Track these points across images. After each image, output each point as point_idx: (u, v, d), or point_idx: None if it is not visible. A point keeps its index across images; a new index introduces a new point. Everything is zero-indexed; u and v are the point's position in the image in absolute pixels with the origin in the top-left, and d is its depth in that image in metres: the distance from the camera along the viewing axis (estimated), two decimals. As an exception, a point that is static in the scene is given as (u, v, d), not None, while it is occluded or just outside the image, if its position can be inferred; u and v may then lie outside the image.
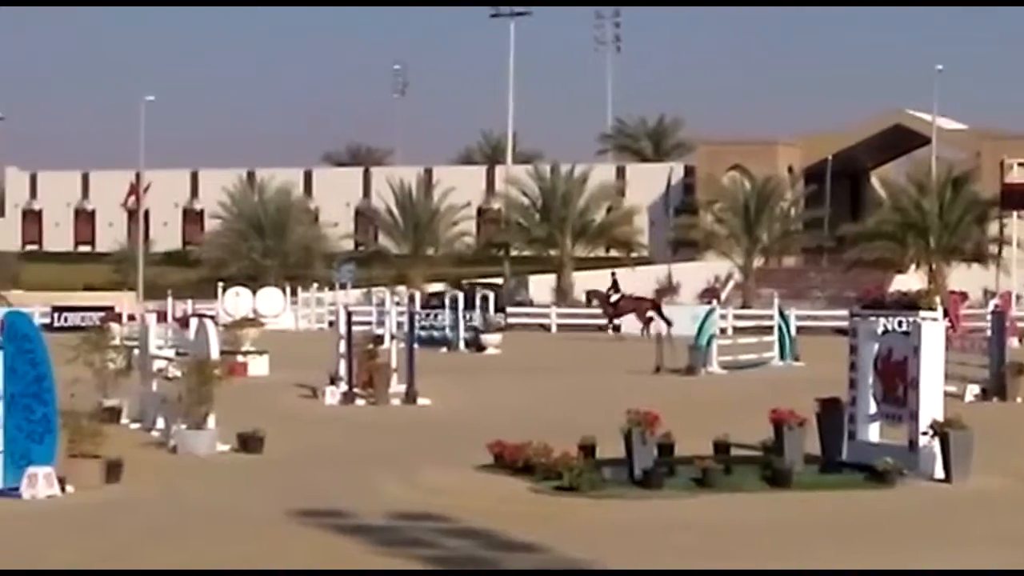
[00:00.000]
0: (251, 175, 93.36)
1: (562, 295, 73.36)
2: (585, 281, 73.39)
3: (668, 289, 73.24)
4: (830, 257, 79.81)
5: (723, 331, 44.62)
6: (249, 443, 20.81)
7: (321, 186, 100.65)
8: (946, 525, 15.60)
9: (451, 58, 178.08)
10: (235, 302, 58.90)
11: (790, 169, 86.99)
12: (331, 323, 47.17)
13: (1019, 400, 29.16)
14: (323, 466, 19.73)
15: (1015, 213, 68.39)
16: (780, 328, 40.62)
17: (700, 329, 37.74)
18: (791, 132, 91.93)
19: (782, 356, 39.98)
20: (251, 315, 47.78)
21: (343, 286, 65.26)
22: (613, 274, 59.41)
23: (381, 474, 18.53)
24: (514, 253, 79.49)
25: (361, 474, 18.68)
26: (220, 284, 62.58)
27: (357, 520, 15.41)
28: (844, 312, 43.23)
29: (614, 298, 56.31)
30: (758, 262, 75.83)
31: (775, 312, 41.21)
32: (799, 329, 44.29)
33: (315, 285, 68.46)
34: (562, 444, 18.24)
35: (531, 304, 70.79)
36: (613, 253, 79.02)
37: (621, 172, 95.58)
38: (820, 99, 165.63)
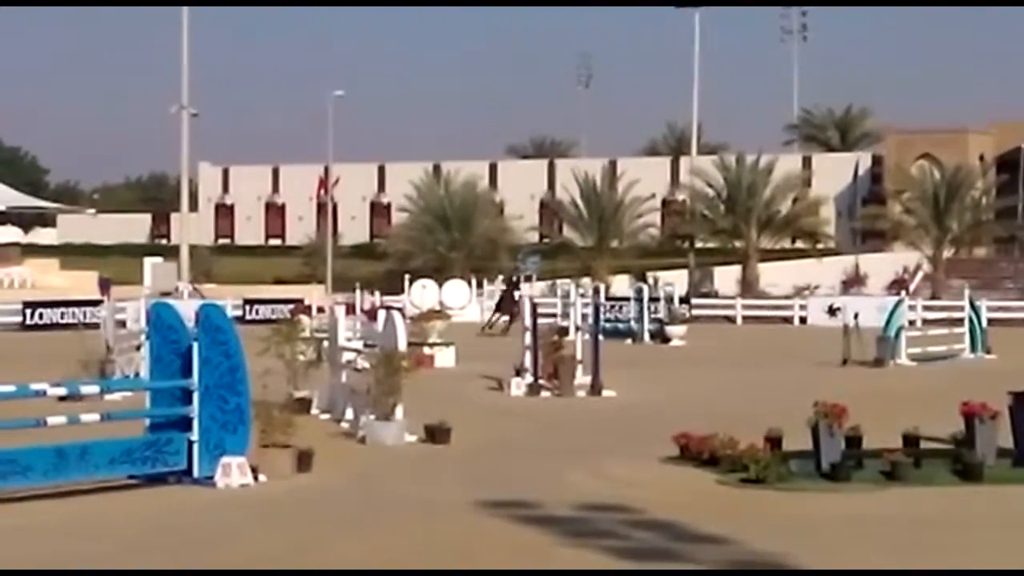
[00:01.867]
0: (437, 168, 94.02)
1: (747, 287, 72.85)
2: (772, 273, 72.89)
3: (856, 280, 72.36)
4: (1023, 247, 78.23)
5: (912, 323, 43.95)
6: (436, 434, 21.02)
7: (506, 178, 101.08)
8: None
9: (636, 49, 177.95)
10: (421, 294, 59.36)
11: (981, 157, 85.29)
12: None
13: None
14: (509, 457, 19.88)
15: None
16: (971, 319, 39.96)
17: (889, 321, 37.31)
18: (982, 120, 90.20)
19: (973, 348, 39.33)
20: (437, 307, 48.18)
21: (528, 278, 65.47)
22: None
23: (567, 465, 18.61)
24: (699, 245, 79.10)
25: (547, 465, 18.77)
26: (407, 276, 63.17)
27: (544, 511, 15.50)
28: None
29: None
30: (948, 252, 74.57)
31: (966, 303, 40.53)
32: (990, 321, 43.53)
33: (500, 277, 68.80)
34: (748, 436, 18.16)
35: (716, 296, 70.46)
36: (799, 244, 78.29)
37: (807, 162, 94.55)
38: (1012, 86, 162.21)
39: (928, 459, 18.42)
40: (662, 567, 12.93)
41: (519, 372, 29.03)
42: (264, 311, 56.68)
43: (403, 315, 25.40)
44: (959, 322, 40.73)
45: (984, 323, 40.80)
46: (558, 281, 66.65)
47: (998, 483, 17.24)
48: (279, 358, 24.47)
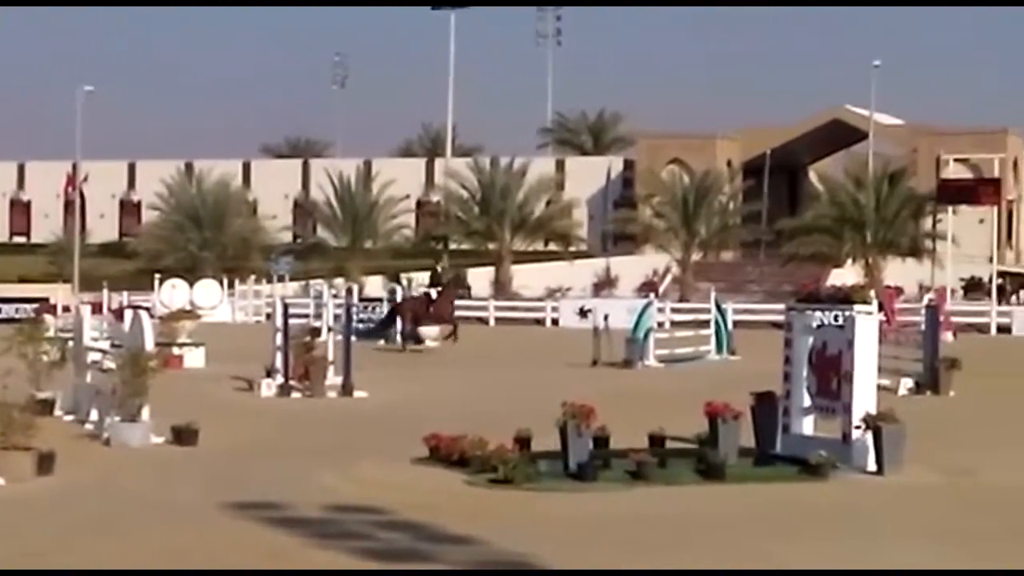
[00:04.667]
0: (189, 166, 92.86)
1: (500, 288, 73.39)
2: (525, 275, 73.48)
3: (607, 282, 73.48)
4: (768, 251, 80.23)
5: (660, 324, 44.73)
6: (183, 435, 20.70)
7: (260, 178, 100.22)
8: (877, 518, 15.70)
9: (392, 49, 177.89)
10: (171, 294, 58.61)
11: (729, 163, 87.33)
12: (268, 315, 47.02)
13: (952, 394, 29.42)
14: (258, 458, 19.66)
15: (950, 208, 68.89)
16: (717, 322, 40.81)
17: (637, 323, 37.89)
18: (730, 127, 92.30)
19: (719, 350, 40.17)
20: (188, 307, 47.56)
21: (281, 278, 65.02)
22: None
23: (316, 466, 18.48)
24: (453, 246, 79.46)
25: (296, 466, 18.62)
26: (157, 276, 62.22)
27: (292, 512, 15.37)
28: (781, 306, 43.24)
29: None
30: (696, 256, 76.12)
31: (712, 306, 41.39)
32: (736, 323, 44.51)
33: (252, 277, 68.23)
34: (498, 437, 18.25)
35: (469, 297, 70.83)
36: (552, 246, 79.12)
37: (561, 165, 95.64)
38: (759, 94, 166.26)
39: (673, 459, 18.73)
40: (410, 568, 12.91)
41: (270, 373, 28.79)
42: (8, 310, 55.38)
43: (151, 315, 25.01)
44: (706, 324, 41.57)
45: (730, 325, 41.73)
46: (311, 281, 66.33)
47: (740, 481, 17.63)
48: (22, 358, 23.87)
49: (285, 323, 28.92)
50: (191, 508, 15.75)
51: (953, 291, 65.17)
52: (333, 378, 28.60)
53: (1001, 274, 69.12)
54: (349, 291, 46.76)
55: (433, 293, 44.05)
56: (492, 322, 63.10)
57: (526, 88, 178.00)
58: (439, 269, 46.15)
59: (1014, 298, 65.63)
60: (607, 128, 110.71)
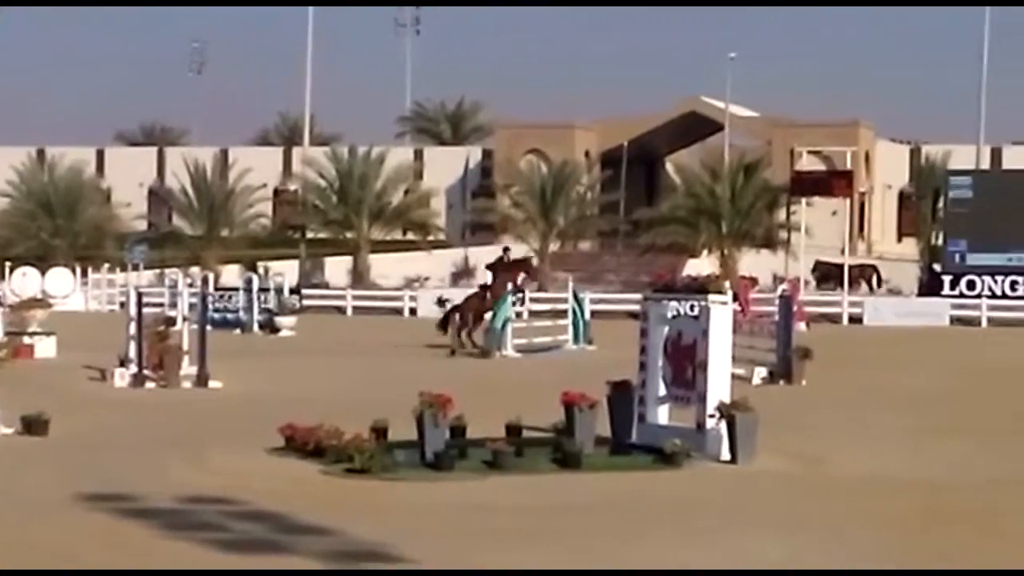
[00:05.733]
0: (41, 153, 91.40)
1: (358, 277, 73.14)
2: (383, 265, 73.27)
3: (465, 272, 73.57)
4: (625, 241, 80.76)
5: (518, 314, 44.82)
6: (33, 426, 20.36)
7: (114, 165, 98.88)
8: (730, 506, 15.87)
9: (249, 37, 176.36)
10: (22, 282, 57.55)
11: (587, 154, 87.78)
12: (122, 304, 46.46)
13: (804, 383, 29.81)
14: (110, 449, 19.39)
15: (804, 200, 69.84)
16: (574, 312, 41.02)
17: (495, 312, 37.94)
18: (589, 117, 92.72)
19: (576, 339, 40.37)
20: (39, 296, 46.78)
21: (135, 267, 64.25)
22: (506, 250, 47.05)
23: (169, 457, 18.27)
24: (310, 235, 79.04)
25: (149, 457, 18.40)
26: (7, 264, 61.15)
27: (145, 504, 15.17)
28: (637, 296, 43.35)
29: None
30: (554, 246, 76.42)
31: (569, 295, 41.57)
32: (593, 313, 44.76)
33: (106, 266, 67.37)
34: (355, 427, 18.17)
35: (327, 286, 70.51)
36: (410, 236, 78.99)
37: (419, 155, 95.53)
38: (618, 85, 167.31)
39: (530, 448, 18.78)
40: (264, 558, 12.79)
41: (123, 363, 28.42)
42: None
43: (1, 303, 24.58)
44: (563, 314, 41.74)
45: (587, 315, 41.96)
46: (166, 270, 65.63)
47: (596, 470, 17.72)
48: None
49: (139, 312, 28.58)
50: (41, 500, 15.48)
51: (807, 282, 66.09)
52: (188, 368, 28.31)
53: (821, 264, 70.37)
54: (205, 280, 46.36)
55: (489, 278, 40.36)
56: (350, 312, 62.86)
57: (385, 77, 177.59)
58: (506, 257, 41.65)
59: (838, 289, 66.46)
60: (466, 117, 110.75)
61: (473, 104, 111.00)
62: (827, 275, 69.14)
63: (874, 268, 71.54)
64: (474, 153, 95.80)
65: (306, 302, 59.84)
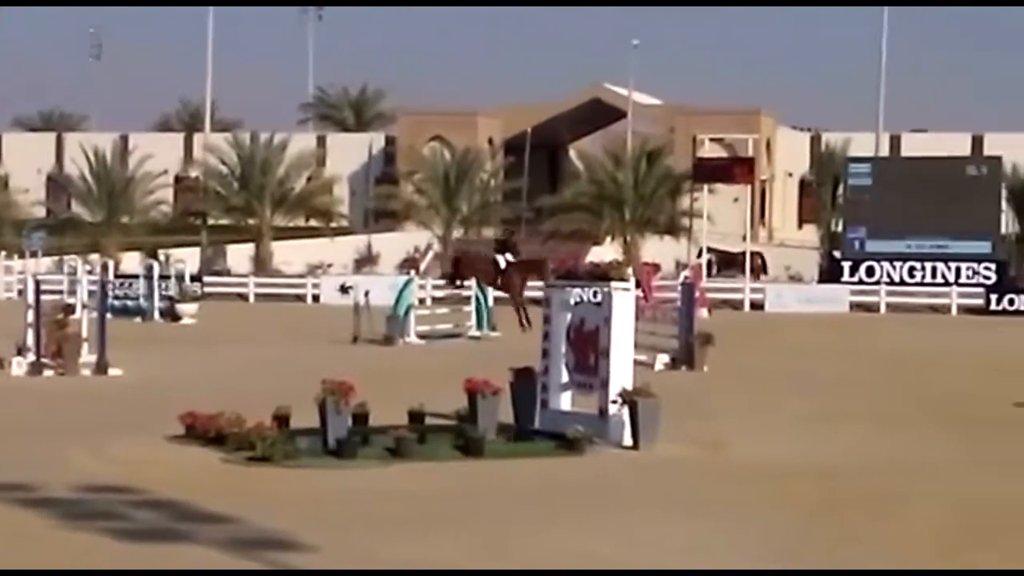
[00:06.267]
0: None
1: (260, 265, 72.73)
2: (285, 252, 72.90)
3: (368, 259, 73.36)
4: (528, 228, 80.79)
5: (421, 301, 44.78)
6: (-71, 415, 20.08)
7: (11, 151, 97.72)
8: (631, 491, 15.93)
9: (149, 22, 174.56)
10: (-82, 270, 56.86)
11: (490, 141, 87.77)
12: (20, 292, 45.90)
13: (706, 369, 30.00)
14: (7, 438, 19.13)
15: (706, 187, 70.20)
16: (478, 299, 41.00)
17: (398, 299, 37.88)
18: (492, 104, 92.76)
19: (479, 326, 40.37)
20: (-64, 283, 46.17)
21: (33, 254, 63.46)
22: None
23: (69, 446, 18.05)
24: (212, 222, 78.47)
25: (48, 446, 18.17)
26: (-97, 252, 60.33)
27: (43, 493, 14.98)
28: (541, 283, 43.33)
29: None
30: (457, 233, 76.34)
31: (473, 282, 41.55)
32: (497, 300, 44.74)
33: (3, 253, 66.56)
34: (256, 414, 18.05)
35: (228, 273, 70.05)
36: (313, 223, 78.64)
37: (322, 141, 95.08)
38: (521, 72, 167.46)
39: (432, 435, 18.76)
40: (164, 547, 12.68)
41: (21, 351, 28.08)
42: None
43: None
44: (467, 301, 41.72)
45: (491, 302, 41.96)
46: (65, 257, 64.88)
47: (498, 457, 17.74)
48: None
49: (37, 300, 28.26)
50: (-64, 490, 15.26)
51: (709, 268, 66.50)
52: (87, 356, 28.02)
53: (710, 250, 70.90)
54: (104, 267, 45.82)
55: (502, 261, 39.29)
56: (252, 299, 62.51)
57: (287, 63, 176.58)
58: (506, 238, 40.12)
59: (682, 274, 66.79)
60: (369, 104, 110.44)
61: (376, 91, 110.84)
62: (712, 262, 69.61)
63: (760, 255, 72.08)
64: (377, 140, 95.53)
65: (207, 289, 59.37)
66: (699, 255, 69.38)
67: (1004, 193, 63.84)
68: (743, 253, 67.34)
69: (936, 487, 16.22)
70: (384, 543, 12.99)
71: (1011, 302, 55.27)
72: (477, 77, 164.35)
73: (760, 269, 70.56)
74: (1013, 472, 17.45)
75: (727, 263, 68.40)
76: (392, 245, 74.96)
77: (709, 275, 64.85)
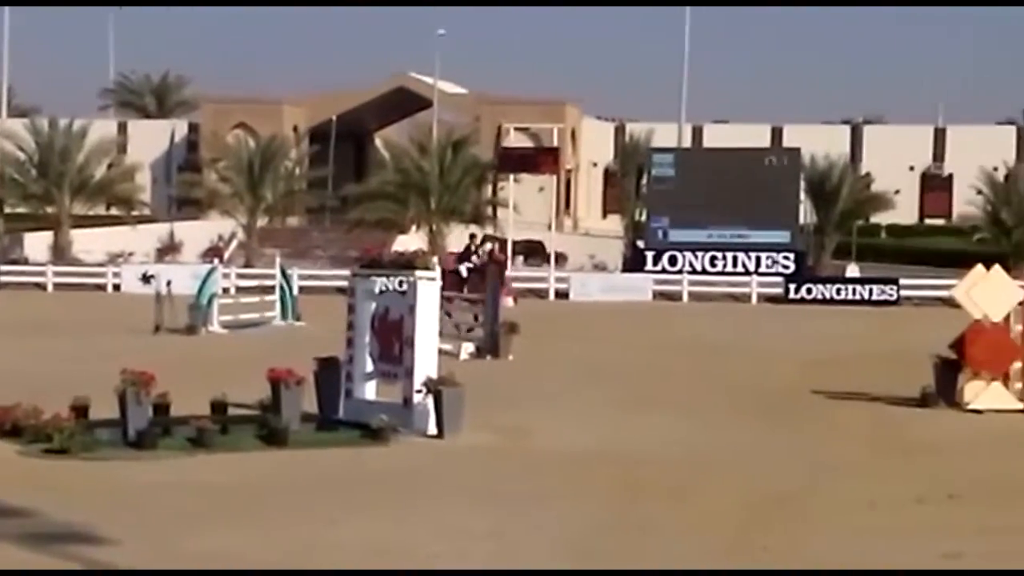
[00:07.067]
0: None
1: (59, 253, 71.33)
2: (85, 240, 71.67)
3: (171, 247, 72.44)
4: (334, 217, 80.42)
5: (225, 290, 44.33)
6: None
7: None
8: (435, 480, 15.96)
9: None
10: None
11: (295, 129, 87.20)
12: None
13: (511, 358, 30.14)
14: None
15: (511, 176, 70.50)
16: (282, 287, 40.70)
17: (201, 288, 37.45)
18: (297, 92, 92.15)
19: (284, 315, 40.07)
20: None
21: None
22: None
23: None
24: (8, 210, 76.75)
25: None
26: None
27: None
28: (346, 272, 43.20)
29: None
30: (262, 221, 75.58)
31: (277, 271, 41.25)
32: (302, 289, 44.53)
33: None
34: (54, 406, 17.75)
35: (26, 262, 68.60)
36: (114, 211, 77.31)
37: (123, 128, 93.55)
38: (327, 60, 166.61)
39: (235, 425, 18.61)
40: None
41: None
42: None
43: None
44: (271, 290, 41.39)
45: (295, 291, 41.66)
46: None
47: (302, 447, 17.66)
48: None
49: None
50: None
51: (515, 257, 66.84)
52: None
53: (492, 239, 71.39)
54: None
55: (463, 271, 37.53)
56: (51, 288, 61.26)
57: (87, 48, 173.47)
58: (474, 244, 38.13)
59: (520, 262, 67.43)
60: (171, 91, 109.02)
61: (178, 77, 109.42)
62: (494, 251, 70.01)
63: (540, 244, 72.65)
64: (180, 127, 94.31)
65: (4, 279, 58.10)
66: (481, 243, 69.79)
67: (803, 184, 65.03)
68: (524, 242, 67.66)
69: (732, 474, 16.53)
70: (187, 536, 12.85)
71: (808, 291, 56.30)
72: (282, 65, 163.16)
73: (543, 257, 71.20)
74: (802, 458, 17.84)
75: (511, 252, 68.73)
76: (195, 233, 74.02)
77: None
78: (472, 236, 40.36)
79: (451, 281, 37.22)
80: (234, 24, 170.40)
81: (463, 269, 36.15)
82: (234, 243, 72.95)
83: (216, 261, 45.44)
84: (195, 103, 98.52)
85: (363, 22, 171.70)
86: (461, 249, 39.99)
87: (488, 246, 67.87)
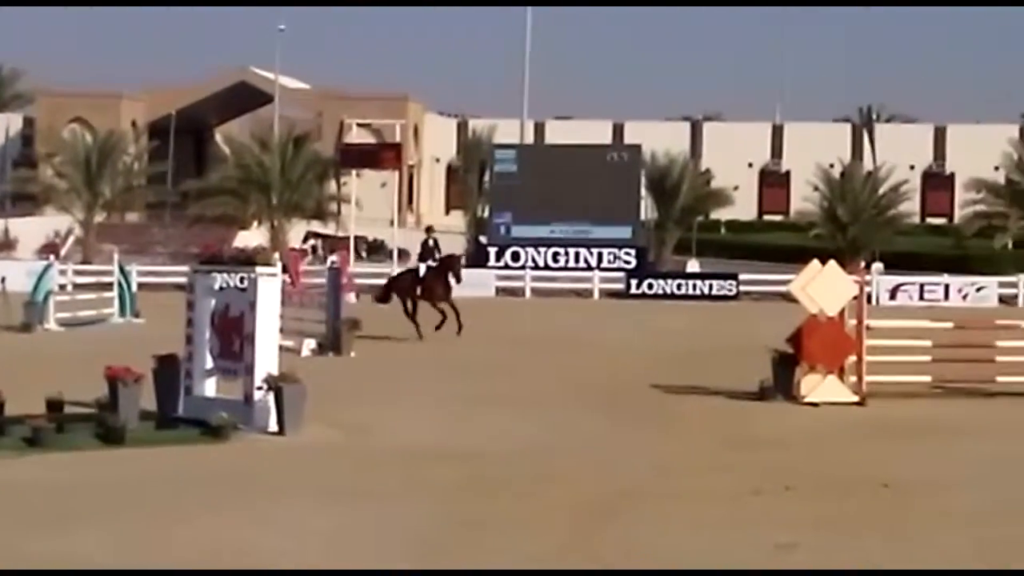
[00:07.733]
0: None
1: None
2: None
3: (5, 244, 71.19)
4: (174, 213, 79.58)
5: (62, 287, 43.66)
6: None
7: None
8: (276, 477, 15.87)
9: None
10: None
11: (134, 123, 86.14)
12: None
13: (353, 354, 30.06)
14: None
15: (353, 172, 70.26)
16: (120, 284, 40.19)
17: (37, 285, 36.86)
18: (136, 86, 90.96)
19: (122, 312, 39.57)
20: None
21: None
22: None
23: None
24: None
25: None
26: None
27: None
28: (186, 268, 42.73)
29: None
30: (100, 217, 74.58)
31: (115, 268, 40.71)
32: (141, 285, 43.98)
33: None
34: None
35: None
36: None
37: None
38: (166, 54, 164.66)
39: (72, 424, 18.32)
40: None
41: None
42: None
43: None
44: (109, 287, 40.84)
45: (134, 288, 41.15)
46: None
47: (141, 445, 17.45)
48: None
49: None
50: None
51: (314, 252, 66.96)
52: None
53: (316, 235, 71.45)
54: None
55: (422, 268, 36.36)
56: None
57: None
58: (429, 241, 37.07)
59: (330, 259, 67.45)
60: (5, 84, 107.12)
61: (13, 71, 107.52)
62: (317, 248, 70.13)
63: (364, 239, 72.80)
64: (14, 121, 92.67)
65: None
66: (304, 240, 69.85)
67: (644, 180, 65.59)
68: (347, 237, 67.54)
69: (573, 469, 16.62)
70: (26, 538, 12.63)
71: (650, 286, 56.82)
72: (121, 59, 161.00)
73: (369, 252, 71.29)
74: (643, 453, 18.00)
75: (333, 248, 68.62)
76: (31, 230, 72.82)
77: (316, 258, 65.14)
78: (429, 229, 40.18)
79: (408, 280, 36.86)
80: (72, 16, 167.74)
81: (422, 268, 35.99)
82: (71, 239, 72.07)
83: (52, 257, 44.77)
84: (30, 97, 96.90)
85: (204, 16, 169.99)
86: (416, 249, 39.46)
87: (312, 242, 67.83)
